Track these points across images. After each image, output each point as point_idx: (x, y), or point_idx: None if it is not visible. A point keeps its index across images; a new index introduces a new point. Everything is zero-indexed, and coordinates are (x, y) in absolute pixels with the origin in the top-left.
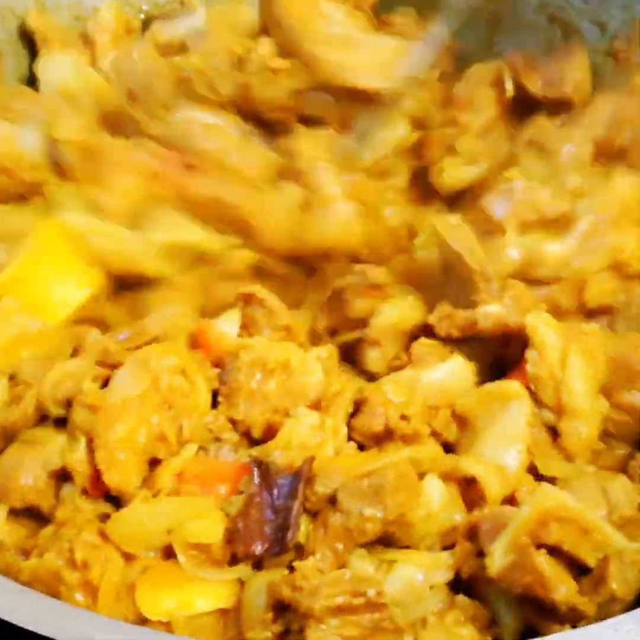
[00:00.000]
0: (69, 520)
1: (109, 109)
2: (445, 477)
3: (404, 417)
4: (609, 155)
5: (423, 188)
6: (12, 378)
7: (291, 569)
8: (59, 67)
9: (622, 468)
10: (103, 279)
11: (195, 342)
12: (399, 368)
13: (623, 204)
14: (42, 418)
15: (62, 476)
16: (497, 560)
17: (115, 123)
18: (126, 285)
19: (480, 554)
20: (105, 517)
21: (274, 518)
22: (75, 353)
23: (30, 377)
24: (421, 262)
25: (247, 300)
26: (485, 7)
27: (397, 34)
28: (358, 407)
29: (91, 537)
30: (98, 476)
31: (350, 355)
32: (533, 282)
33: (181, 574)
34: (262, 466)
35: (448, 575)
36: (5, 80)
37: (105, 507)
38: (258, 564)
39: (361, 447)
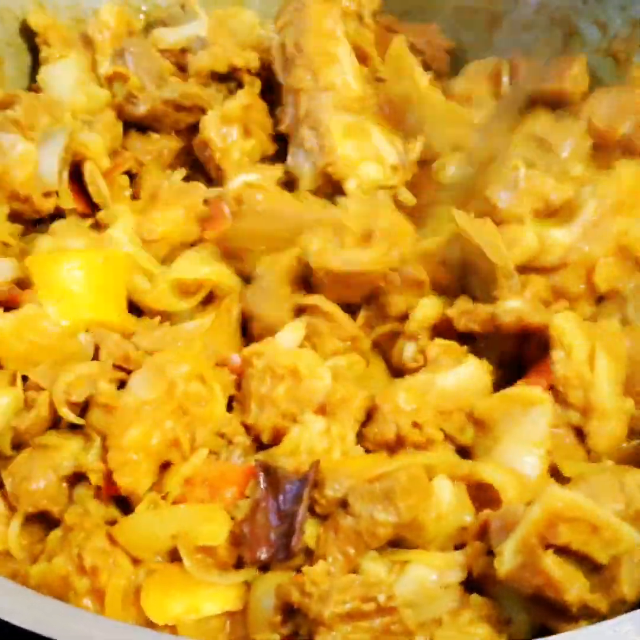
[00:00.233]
0: (77, 525)
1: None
2: (459, 479)
3: (415, 425)
4: (609, 147)
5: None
6: (24, 382)
7: (300, 571)
8: (63, 77)
9: (637, 462)
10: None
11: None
12: (415, 370)
13: (628, 189)
14: (55, 423)
15: (74, 480)
16: (506, 561)
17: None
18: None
19: (491, 552)
20: (113, 522)
21: (280, 524)
22: (96, 356)
23: (42, 381)
24: (441, 257)
25: (311, 311)
26: (485, 7)
27: None
28: (369, 415)
29: (100, 542)
30: (111, 476)
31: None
32: (540, 269)
33: (187, 577)
34: (269, 471)
35: (461, 575)
36: (5, 82)
37: (114, 512)
38: (265, 568)
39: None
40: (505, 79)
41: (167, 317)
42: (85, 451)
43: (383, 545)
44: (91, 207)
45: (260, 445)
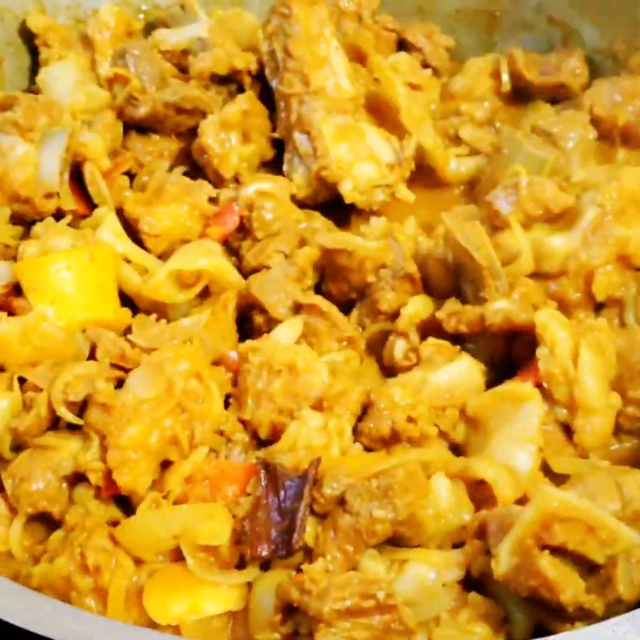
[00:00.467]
0: (78, 524)
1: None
2: (453, 475)
3: (410, 420)
4: (611, 137)
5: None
6: (21, 383)
7: (299, 570)
8: (62, 79)
9: (636, 463)
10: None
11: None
12: (408, 368)
13: (629, 196)
14: (54, 424)
15: (74, 480)
16: (502, 562)
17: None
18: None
19: (489, 552)
20: (115, 523)
21: (281, 520)
22: (91, 355)
23: (41, 382)
24: (432, 259)
25: (309, 311)
26: (485, 8)
27: None
28: (365, 410)
29: (102, 541)
30: (110, 476)
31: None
32: (541, 276)
33: (189, 577)
34: (269, 468)
35: (460, 573)
36: (4, 82)
37: (115, 512)
38: (266, 566)
39: (367, 449)
40: (505, 77)
41: (162, 312)
42: (84, 451)
43: (382, 543)
44: (91, 208)
45: (259, 442)
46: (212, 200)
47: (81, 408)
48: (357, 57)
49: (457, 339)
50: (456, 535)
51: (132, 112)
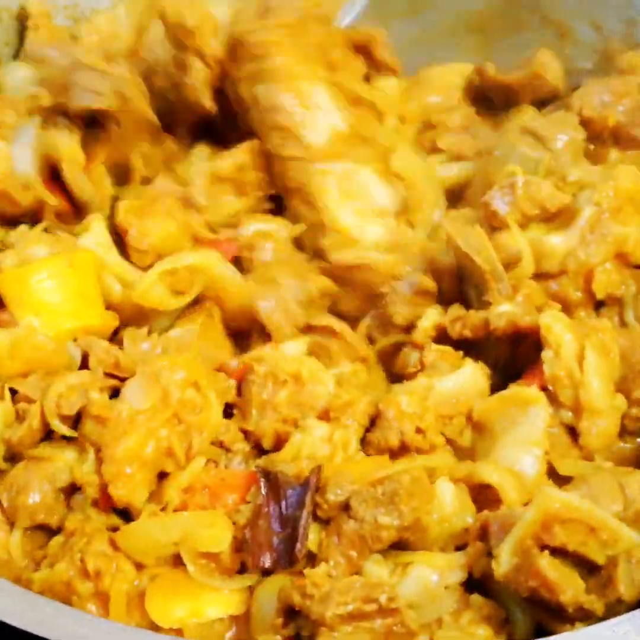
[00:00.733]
0: (78, 530)
1: None
2: (458, 480)
3: (419, 431)
4: (601, 138)
5: None
6: (12, 394)
7: (301, 573)
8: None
9: (638, 463)
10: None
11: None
12: (413, 375)
13: (625, 195)
14: (48, 434)
15: (71, 490)
16: (503, 563)
17: None
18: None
19: (491, 553)
20: (114, 528)
21: (282, 529)
22: (83, 364)
23: (31, 392)
24: (436, 265)
25: (321, 331)
26: (479, 7)
27: None
28: (373, 421)
29: (102, 546)
30: (106, 488)
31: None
32: (540, 276)
33: (191, 582)
34: (270, 476)
35: (462, 575)
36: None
37: (115, 519)
38: (267, 572)
39: None
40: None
41: (144, 324)
42: (80, 463)
43: (385, 547)
44: (75, 206)
45: (260, 452)
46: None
47: (76, 419)
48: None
49: (461, 343)
50: (459, 538)
51: None
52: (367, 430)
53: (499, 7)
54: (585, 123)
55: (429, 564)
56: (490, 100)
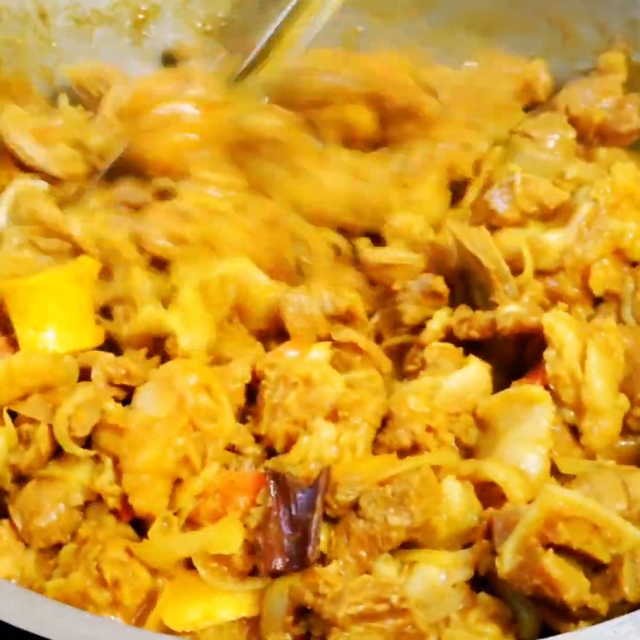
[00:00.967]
0: (90, 537)
1: None
2: (463, 478)
3: (430, 430)
4: (588, 135)
5: None
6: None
7: (312, 573)
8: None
9: None
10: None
11: None
12: (414, 373)
13: (622, 191)
14: (56, 452)
15: (84, 506)
16: (506, 561)
17: None
18: None
19: (495, 551)
20: (126, 535)
21: (293, 532)
22: (83, 377)
23: (35, 414)
24: (443, 266)
25: (342, 346)
26: (484, 8)
27: None
28: (384, 422)
29: (118, 553)
30: (126, 499)
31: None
32: (538, 273)
33: (203, 584)
34: (279, 478)
35: (468, 573)
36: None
37: (128, 529)
38: (278, 573)
39: None
40: None
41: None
42: (98, 474)
43: (395, 548)
44: None
45: (271, 455)
46: None
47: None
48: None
49: (468, 343)
50: (465, 537)
51: None
52: (378, 431)
53: (502, 7)
54: (572, 122)
55: (436, 563)
56: None
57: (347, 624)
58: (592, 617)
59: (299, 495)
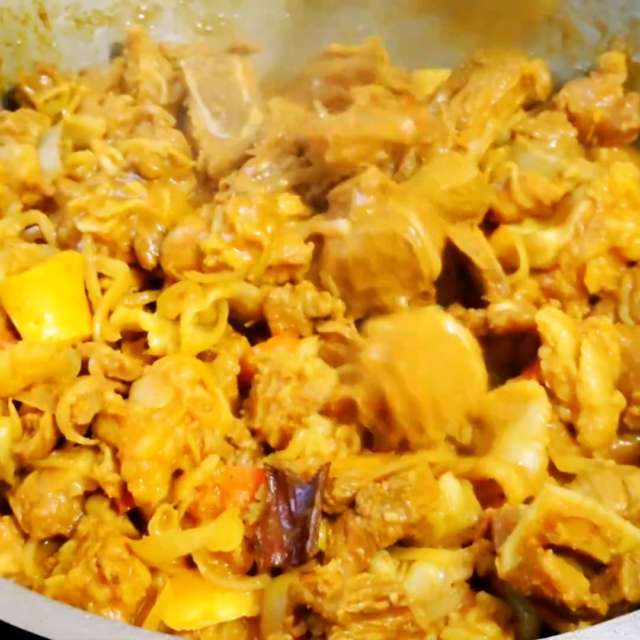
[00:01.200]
0: (91, 533)
1: None
2: (461, 476)
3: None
4: (588, 134)
5: None
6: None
7: (311, 572)
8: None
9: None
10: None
11: None
12: None
13: (620, 190)
14: (57, 444)
15: (84, 497)
16: (506, 561)
17: None
18: None
19: (495, 551)
20: (127, 534)
21: (292, 528)
22: (83, 370)
23: (39, 404)
24: None
25: (327, 337)
26: (484, 8)
27: None
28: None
29: (118, 550)
30: (126, 488)
31: None
32: (534, 271)
33: (203, 583)
34: (278, 474)
35: (467, 573)
36: (3, 83)
37: (128, 525)
38: (277, 571)
39: None
40: None
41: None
42: (97, 464)
43: (392, 544)
44: None
45: (267, 450)
46: None
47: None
48: None
49: None
50: (464, 535)
51: None
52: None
53: (502, 7)
54: (572, 120)
55: (434, 562)
56: None
57: (347, 622)
58: (592, 617)
59: (298, 491)
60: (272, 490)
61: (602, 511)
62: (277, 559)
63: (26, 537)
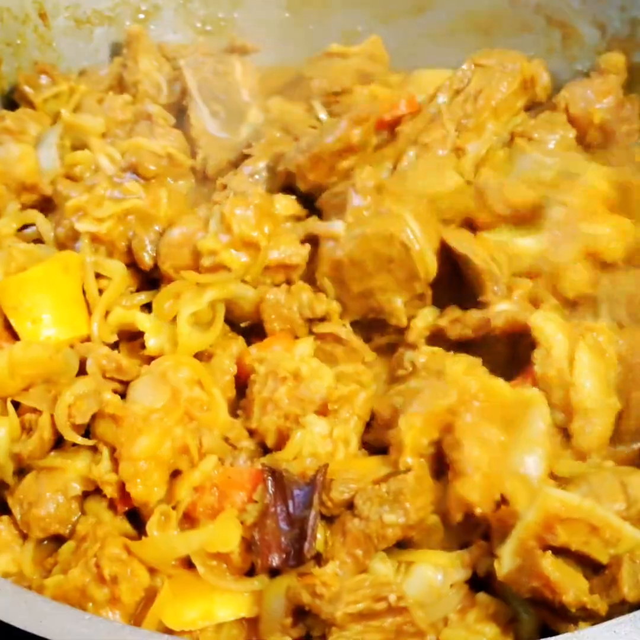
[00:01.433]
0: (90, 534)
1: None
2: None
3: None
4: (588, 135)
5: None
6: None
7: (309, 573)
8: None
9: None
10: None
11: None
12: (404, 378)
13: (595, 195)
14: (56, 444)
15: (83, 497)
16: (505, 564)
17: None
18: None
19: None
20: (126, 534)
21: (290, 529)
22: (81, 370)
23: (37, 404)
24: None
25: (324, 338)
26: (484, 8)
27: None
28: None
29: (117, 550)
30: (124, 488)
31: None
32: (516, 277)
33: (202, 584)
34: (276, 475)
35: (466, 574)
36: (3, 83)
37: (126, 524)
38: (275, 572)
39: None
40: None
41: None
42: (95, 463)
43: (390, 545)
44: None
45: (265, 451)
46: None
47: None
48: None
49: (458, 345)
50: (462, 537)
51: None
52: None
53: (502, 7)
54: (571, 121)
55: (433, 563)
56: None
57: (346, 623)
58: (591, 617)
59: (296, 492)
60: (271, 491)
61: (601, 512)
62: (275, 560)
63: (25, 537)
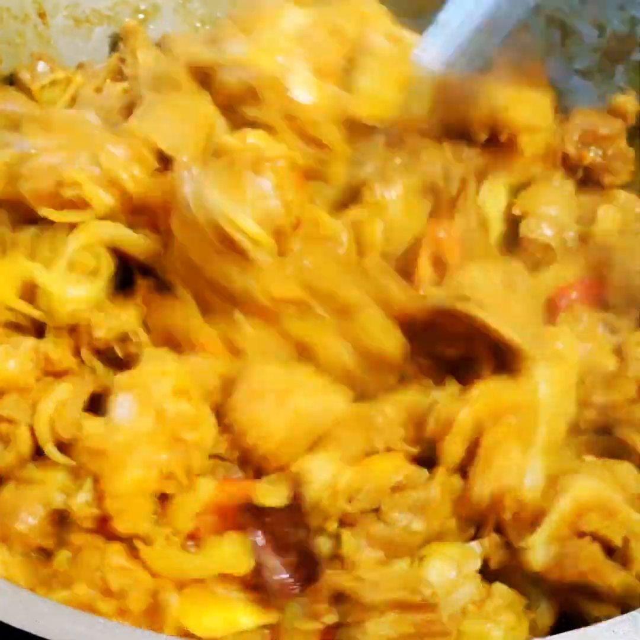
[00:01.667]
0: (88, 543)
1: None
2: None
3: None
4: (576, 173)
5: None
6: None
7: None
8: None
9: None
10: None
11: None
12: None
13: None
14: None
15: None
16: (539, 555)
17: None
18: None
19: (509, 545)
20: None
21: (286, 558)
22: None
23: (13, 413)
24: None
25: None
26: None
27: None
28: None
29: (120, 559)
30: (105, 520)
31: None
32: None
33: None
34: (253, 510)
35: (479, 564)
36: (2, 81)
37: None
38: None
39: None
40: None
41: None
42: (76, 490)
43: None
44: None
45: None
46: None
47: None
48: None
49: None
50: (472, 527)
51: None
52: None
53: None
54: (564, 156)
55: (446, 556)
56: None
57: (385, 608)
58: (631, 598)
59: (270, 521)
60: (260, 545)
61: (617, 497)
62: (291, 595)
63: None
